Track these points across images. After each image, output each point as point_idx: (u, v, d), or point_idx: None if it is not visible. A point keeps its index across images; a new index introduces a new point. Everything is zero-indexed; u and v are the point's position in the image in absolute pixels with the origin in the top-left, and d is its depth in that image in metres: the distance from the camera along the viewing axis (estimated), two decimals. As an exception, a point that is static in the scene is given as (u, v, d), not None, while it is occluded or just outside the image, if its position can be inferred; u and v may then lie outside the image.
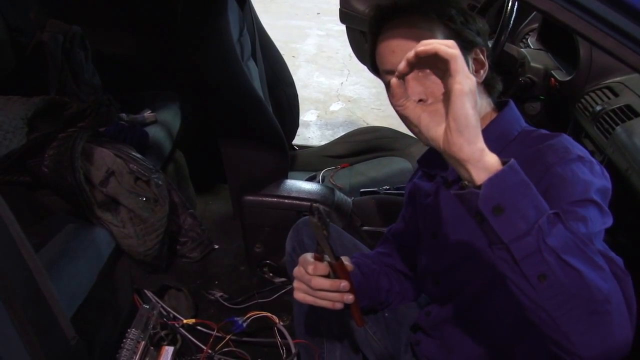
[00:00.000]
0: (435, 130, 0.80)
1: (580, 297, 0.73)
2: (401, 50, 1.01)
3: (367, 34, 1.11)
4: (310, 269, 1.02)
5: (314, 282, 1.02)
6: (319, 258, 1.03)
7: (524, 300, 0.78)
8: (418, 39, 0.99)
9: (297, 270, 1.06)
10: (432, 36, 1.01)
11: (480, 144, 0.75)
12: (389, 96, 1.08)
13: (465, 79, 0.73)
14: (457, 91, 0.73)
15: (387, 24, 1.05)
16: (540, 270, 0.73)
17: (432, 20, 1.02)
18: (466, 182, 0.77)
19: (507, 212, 0.73)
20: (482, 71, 1.08)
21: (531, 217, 0.73)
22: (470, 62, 1.05)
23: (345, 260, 1.03)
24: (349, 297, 1.03)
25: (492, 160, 0.75)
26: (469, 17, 1.06)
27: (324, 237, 0.96)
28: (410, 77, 1.00)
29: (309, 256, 1.05)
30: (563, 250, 0.73)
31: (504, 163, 0.75)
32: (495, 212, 0.73)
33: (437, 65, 0.77)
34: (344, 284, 1.01)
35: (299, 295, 1.07)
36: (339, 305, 1.04)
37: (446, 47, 0.74)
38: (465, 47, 1.04)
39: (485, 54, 1.08)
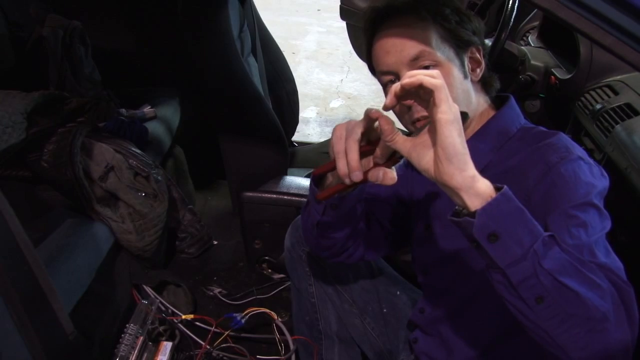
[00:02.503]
0: (426, 161, 0.80)
1: (578, 316, 0.74)
2: (395, 51, 1.02)
3: (362, 34, 1.11)
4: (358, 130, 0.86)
5: (349, 143, 0.86)
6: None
7: (522, 319, 0.79)
8: (412, 40, 1.00)
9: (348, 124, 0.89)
10: (426, 36, 1.01)
11: (471, 170, 0.75)
12: (386, 96, 1.09)
13: (450, 108, 0.74)
14: (442, 121, 0.74)
15: (381, 25, 1.05)
16: (538, 293, 0.74)
17: (426, 20, 1.02)
18: (460, 209, 0.78)
19: (503, 238, 0.74)
20: (478, 70, 1.08)
21: (526, 242, 0.74)
22: (466, 61, 1.06)
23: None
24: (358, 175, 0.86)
25: (483, 187, 0.75)
26: (464, 17, 1.06)
27: None
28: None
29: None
30: (559, 272, 0.74)
31: (496, 188, 0.76)
32: (490, 239, 0.74)
33: (422, 95, 0.78)
34: (357, 173, 0.86)
35: (335, 134, 0.89)
36: (347, 180, 0.87)
37: (430, 77, 0.75)
38: (461, 46, 1.04)
39: (481, 53, 1.08)
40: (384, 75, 1.06)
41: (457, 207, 0.79)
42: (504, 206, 0.75)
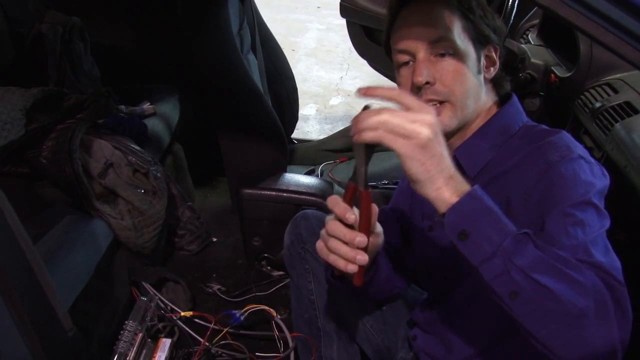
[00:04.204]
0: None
1: (554, 312, 0.75)
2: (417, 32, 1.02)
3: (386, 12, 1.11)
4: (338, 210, 0.90)
5: (329, 224, 0.92)
6: (352, 188, 0.90)
7: (506, 313, 0.80)
8: (435, 23, 1.01)
9: (329, 216, 0.94)
10: (449, 23, 1.02)
11: (436, 185, 0.78)
12: (397, 78, 1.09)
13: (402, 145, 0.77)
14: (400, 157, 0.77)
15: (408, 5, 1.06)
16: (511, 289, 0.76)
17: (452, 8, 1.03)
18: (438, 212, 0.81)
19: (472, 236, 0.77)
20: (492, 69, 1.09)
21: (496, 240, 0.76)
22: (482, 58, 1.06)
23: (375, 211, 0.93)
24: (363, 259, 0.90)
25: (448, 194, 0.78)
26: (488, 13, 1.07)
27: (363, 155, 0.85)
28: (421, 59, 1.01)
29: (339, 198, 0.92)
30: (532, 269, 0.75)
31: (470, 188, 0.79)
32: (460, 237, 0.78)
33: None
34: (360, 238, 0.89)
35: (318, 245, 0.96)
36: (350, 267, 0.90)
37: (372, 129, 0.78)
38: (480, 40, 1.05)
39: (498, 54, 1.09)
40: (400, 54, 1.06)
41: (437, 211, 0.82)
42: (470, 205, 0.78)
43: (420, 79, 1.00)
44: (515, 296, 0.76)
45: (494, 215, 0.78)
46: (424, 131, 0.77)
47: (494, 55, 1.09)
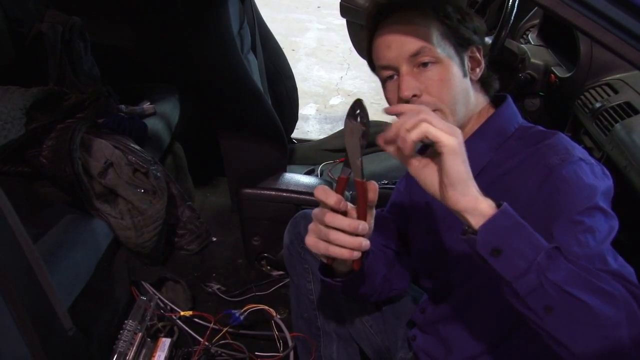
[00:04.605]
0: (432, 184, 0.83)
1: (589, 325, 0.75)
2: (396, 46, 1.02)
3: (364, 30, 1.12)
4: (332, 200, 0.89)
5: (328, 217, 0.89)
6: (343, 180, 0.90)
7: (535, 328, 0.79)
8: (413, 35, 1.01)
9: (317, 209, 0.93)
10: (427, 33, 1.01)
11: (474, 193, 0.79)
12: (384, 92, 1.10)
13: (448, 139, 0.77)
14: (445, 152, 0.77)
15: (384, 19, 1.05)
16: (546, 304, 0.76)
17: (429, 17, 1.02)
18: (467, 228, 0.80)
19: (505, 253, 0.76)
20: (477, 69, 1.09)
21: (529, 255, 0.75)
22: (466, 60, 1.06)
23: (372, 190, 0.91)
24: (367, 244, 0.90)
25: (486, 206, 0.78)
26: (466, 15, 1.06)
27: (358, 146, 0.85)
28: (404, 72, 1.01)
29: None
30: (566, 282, 0.75)
31: (498, 205, 0.78)
32: (493, 254, 0.77)
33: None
34: (362, 225, 0.89)
35: (310, 240, 0.94)
36: (356, 254, 0.90)
37: (415, 123, 0.78)
38: (462, 44, 1.05)
39: (481, 53, 1.09)
40: (383, 69, 1.06)
41: (465, 227, 0.81)
42: (503, 222, 0.77)
43: (407, 93, 1.00)
44: (550, 310, 0.76)
45: (526, 231, 0.77)
46: (459, 132, 0.78)
47: (478, 55, 1.08)
